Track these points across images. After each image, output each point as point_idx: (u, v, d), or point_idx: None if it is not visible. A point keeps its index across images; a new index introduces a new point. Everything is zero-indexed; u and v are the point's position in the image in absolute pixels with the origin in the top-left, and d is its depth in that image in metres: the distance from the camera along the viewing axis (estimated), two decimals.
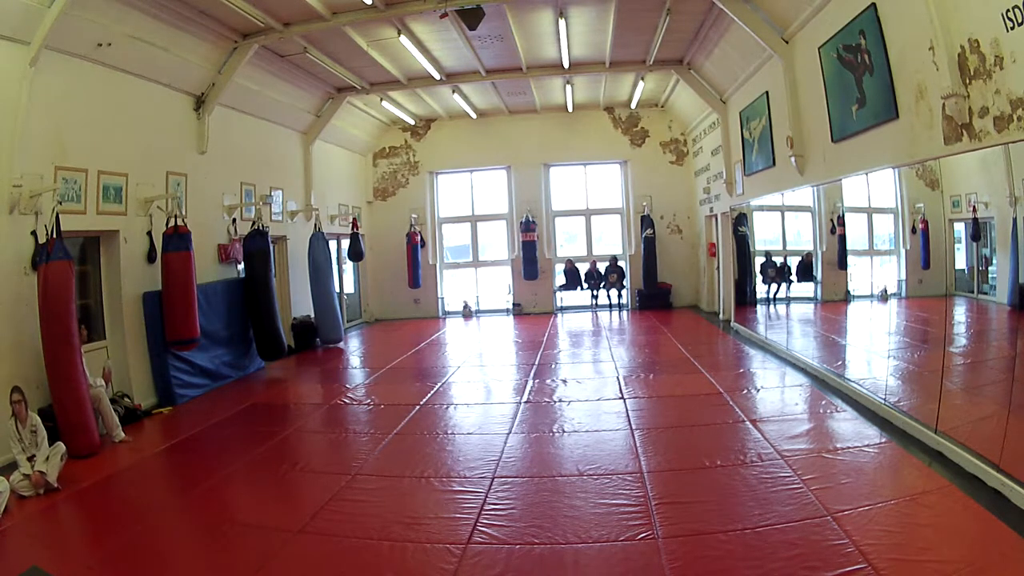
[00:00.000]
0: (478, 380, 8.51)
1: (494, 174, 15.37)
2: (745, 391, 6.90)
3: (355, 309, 14.47)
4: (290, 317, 10.94)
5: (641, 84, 12.58)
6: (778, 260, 9.65)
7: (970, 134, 4.38)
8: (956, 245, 5.29)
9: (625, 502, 4.12)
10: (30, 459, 4.77)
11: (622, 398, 6.80)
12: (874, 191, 6.71)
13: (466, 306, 15.18)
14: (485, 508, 4.12)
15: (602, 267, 14.79)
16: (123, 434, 6.03)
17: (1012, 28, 3.80)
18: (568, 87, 12.74)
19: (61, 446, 5.01)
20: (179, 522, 4.30)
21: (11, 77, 5.62)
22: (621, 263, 14.85)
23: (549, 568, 3.39)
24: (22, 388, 5.05)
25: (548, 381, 7.86)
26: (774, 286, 9.87)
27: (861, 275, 7.38)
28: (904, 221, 6.05)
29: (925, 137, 4.97)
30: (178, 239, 7.24)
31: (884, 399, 5.68)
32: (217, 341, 8.33)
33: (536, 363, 9.04)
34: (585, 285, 14.80)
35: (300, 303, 11.26)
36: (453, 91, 12.36)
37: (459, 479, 4.71)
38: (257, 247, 9.04)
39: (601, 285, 14.71)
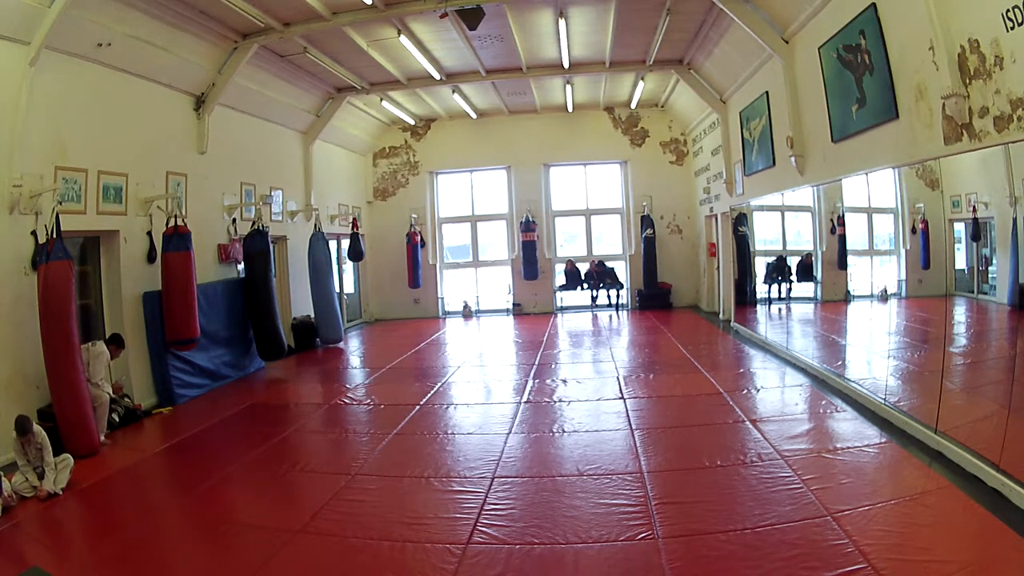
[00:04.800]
0: (478, 380, 8.51)
1: (494, 174, 15.37)
2: (745, 391, 6.90)
3: (355, 309, 14.47)
4: (290, 317, 10.94)
5: (641, 84, 12.58)
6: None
7: (970, 134, 4.38)
8: (956, 245, 5.28)
9: (625, 502, 4.12)
10: (36, 469, 4.73)
11: (622, 398, 6.80)
12: (874, 191, 6.70)
13: (466, 306, 15.18)
14: (485, 508, 4.12)
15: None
16: (104, 439, 5.88)
17: (1012, 28, 3.80)
18: (568, 87, 12.74)
19: (70, 459, 4.94)
20: (179, 522, 4.30)
21: (11, 77, 5.62)
22: (611, 264, 14.84)
23: (549, 568, 3.39)
24: (29, 418, 4.85)
25: (548, 381, 7.86)
26: (775, 286, 9.87)
27: (861, 275, 7.38)
28: (904, 221, 6.04)
29: (925, 137, 4.97)
30: (178, 239, 7.24)
31: (884, 399, 5.68)
32: (217, 341, 8.33)
33: (536, 363, 9.04)
34: (585, 285, 14.81)
35: (300, 303, 11.26)
36: (453, 91, 12.36)
37: (459, 479, 4.71)
38: (257, 247, 9.04)
39: (601, 285, 14.72)
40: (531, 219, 14.61)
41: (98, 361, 6.06)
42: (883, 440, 4.96)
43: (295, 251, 11.21)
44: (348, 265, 13.94)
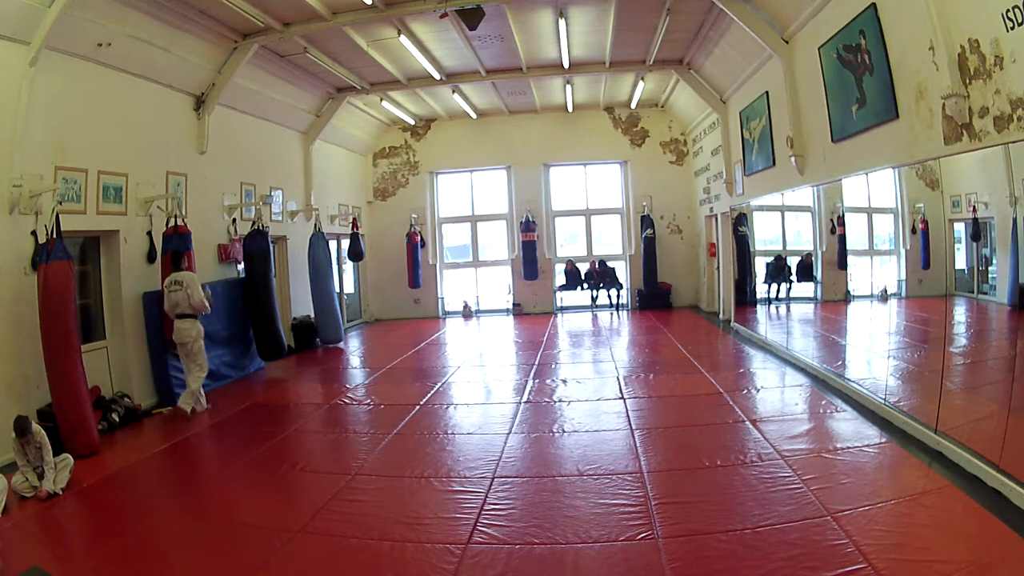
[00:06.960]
0: (478, 380, 8.51)
1: (494, 174, 15.36)
2: (745, 391, 6.90)
3: (355, 309, 14.47)
4: (290, 317, 10.94)
5: (641, 84, 12.58)
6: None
7: (970, 134, 4.38)
8: (956, 245, 5.28)
9: (625, 502, 4.12)
10: (36, 469, 4.72)
11: (622, 398, 6.80)
12: (874, 191, 6.71)
13: (466, 306, 15.18)
14: (485, 508, 4.12)
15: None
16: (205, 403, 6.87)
17: (1012, 28, 3.80)
18: (568, 87, 12.74)
19: (69, 459, 4.93)
20: (179, 522, 4.30)
21: (11, 77, 5.62)
22: (611, 264, 14.85)
23: (549, 568, 3.39)
24: (28, 418, 4.83)
25: (548, 381, 7.86)
26: (775, 286, 9.87)
27: (861, 275, 7.38)
28: (904, 221, 6.05)
29: (925, 137, 4.97)
30: (178, 239, 7.24)
31: (884, 399, 5.68)
32: (217, 341, 8.32)
33: (536, 363, 9.03)
34: (585, 285, 14.81)
35: (300, 303, 11.26)
36: (453, 91, 12.36)
37: (459, 479, 4.71)
38: (257, 247, 9.03)
39: (601, 285, 14.73)
40: (531, 219, 14.61)
41: (195, 287, 6.65)
42: (883, 440, 4.96)
43: (295, 251, 11.21)
44: (348, 265, 13.93)
